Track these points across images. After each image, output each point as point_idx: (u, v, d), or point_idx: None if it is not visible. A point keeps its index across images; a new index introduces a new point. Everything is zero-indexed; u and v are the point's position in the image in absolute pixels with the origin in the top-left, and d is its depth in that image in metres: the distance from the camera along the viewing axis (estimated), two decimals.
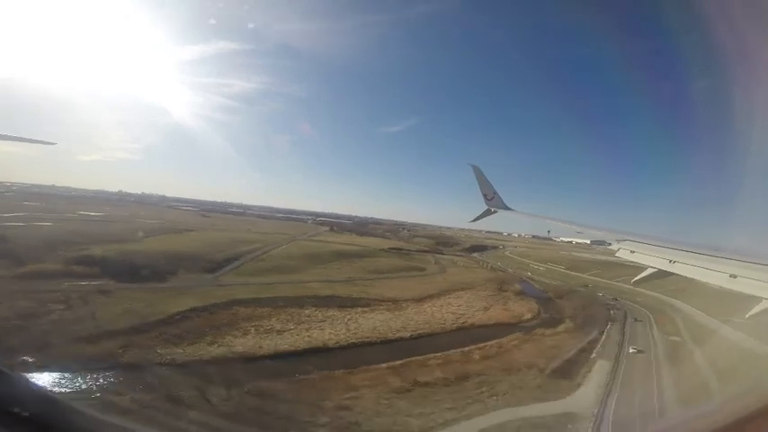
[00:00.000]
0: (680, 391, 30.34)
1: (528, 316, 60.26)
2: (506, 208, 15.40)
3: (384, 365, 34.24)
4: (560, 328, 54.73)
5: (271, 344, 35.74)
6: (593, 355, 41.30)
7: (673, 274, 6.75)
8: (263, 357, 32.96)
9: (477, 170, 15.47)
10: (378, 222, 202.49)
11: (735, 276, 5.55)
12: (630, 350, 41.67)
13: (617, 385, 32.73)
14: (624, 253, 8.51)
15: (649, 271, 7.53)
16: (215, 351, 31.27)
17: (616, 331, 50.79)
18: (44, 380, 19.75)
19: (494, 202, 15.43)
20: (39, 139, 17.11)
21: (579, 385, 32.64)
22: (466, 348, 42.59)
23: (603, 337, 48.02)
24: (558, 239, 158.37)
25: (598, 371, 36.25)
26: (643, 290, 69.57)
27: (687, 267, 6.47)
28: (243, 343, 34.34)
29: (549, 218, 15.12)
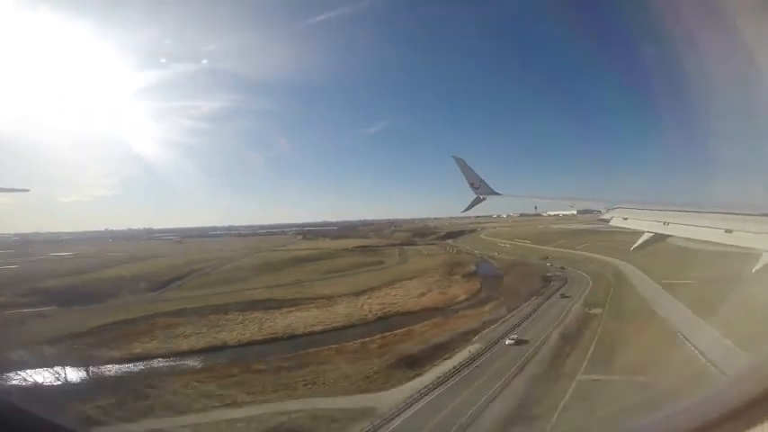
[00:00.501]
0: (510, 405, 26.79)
1: (462, 297, 60.15)
2: (494, 193, 15.52)
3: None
4: (486, 307, 54.01)
5: (170, 346, 42.39)
6: (476, 338, 40.31)
7: (669, 236, 6.67)
8: (155, 356, 39.60)
9: (461, 161, 15.82)
10: (368, 224, 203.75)
11: (730, 231, 5.40)
12: (507, 341, 37.98)
13: (453, 382, 30.59)
14: (617, 221, 8.39)
15: (646, 236, 7.31)
16: (113, 354, 38.60)
17: (530, 308, 48.67)
18: None
19: (481, 189, 15.56)
20: (10, 187, 17.14)
21: (417, 376, 31.62)
22: (368, 339, 44.76)
23: (509, 315, 46.55)
24: (545, 214, 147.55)
25: (456, 359, 34.74)
26: (597, 255, 64.26)
27: (682, 228, 6.36)
28: (144, 347, 41.46)
29: (538, 196, 16.02)
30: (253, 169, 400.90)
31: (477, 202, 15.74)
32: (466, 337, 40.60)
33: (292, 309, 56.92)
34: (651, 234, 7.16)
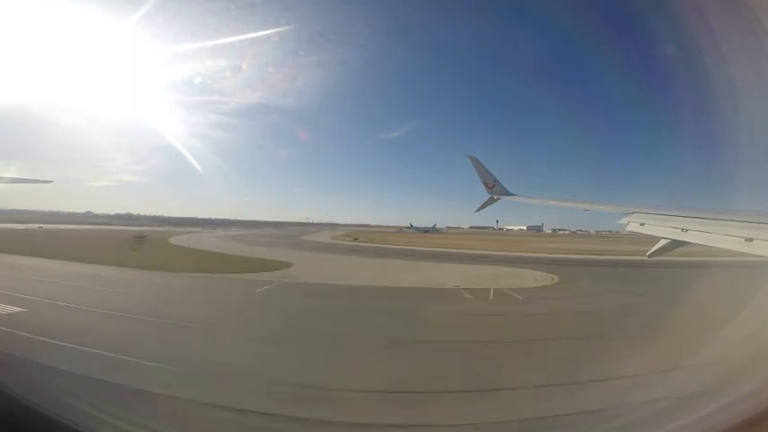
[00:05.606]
0: None
1: None
2: (508, 194, 15.32)
3: None
4: None
5: None
6: None
7: (686, 243, 6.57)
8: None
9: (475, 160, 15.71)
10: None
11: (751, 240, 5.21)
12: None
13: None
14: (634, 226, 8.14)
15: (662, 243, 7.19)
16: None
17: None
18: None
19: (495, 189, 15.34)
20: (35, 178, 16.40)
21: None
22: None
23: None
24: (504, 228, 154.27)
25: None
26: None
27: (700, 235, 6.31)
28: None
29: (551, 200, 14.73)
30: (273, 166, 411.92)
31: (489, 202, 15.44)
32: None
33: None
34: (668, 240, 6.89)
